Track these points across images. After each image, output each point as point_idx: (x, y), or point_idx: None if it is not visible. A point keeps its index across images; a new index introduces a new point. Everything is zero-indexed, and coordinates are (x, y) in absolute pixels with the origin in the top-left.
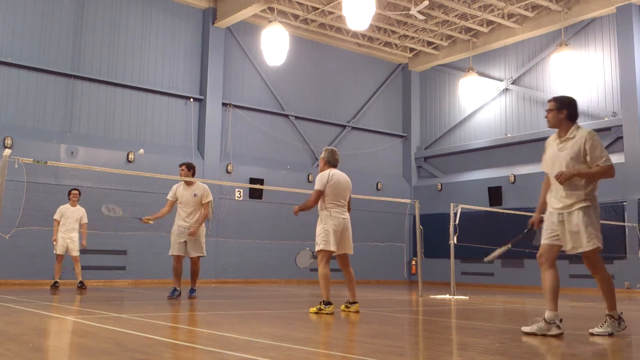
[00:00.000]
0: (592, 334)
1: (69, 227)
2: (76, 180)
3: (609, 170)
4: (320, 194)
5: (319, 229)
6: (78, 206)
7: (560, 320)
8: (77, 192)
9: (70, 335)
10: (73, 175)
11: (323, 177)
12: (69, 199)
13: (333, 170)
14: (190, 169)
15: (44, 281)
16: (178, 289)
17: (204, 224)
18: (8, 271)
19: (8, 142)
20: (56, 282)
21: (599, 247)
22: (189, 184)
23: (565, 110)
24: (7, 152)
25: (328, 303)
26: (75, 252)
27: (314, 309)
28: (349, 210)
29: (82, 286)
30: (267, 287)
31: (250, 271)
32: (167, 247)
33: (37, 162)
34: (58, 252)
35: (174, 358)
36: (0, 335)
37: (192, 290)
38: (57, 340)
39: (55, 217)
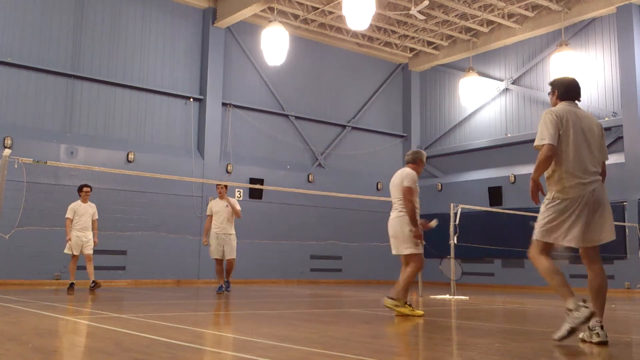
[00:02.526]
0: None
1: (84, 225)
2: (76, 180)
3: (540, 151)
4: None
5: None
6: (89, 202)
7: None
8: (89, 188)
9: (70, 335)
10: (73, 175)
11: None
12: (80, 196)
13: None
14: (227, 188)
15: (43, 281)
16: (222, 284)
17: (235, 232)
18: (8, 271)
19: (8, 142)
20: (72, 283)
21: (537, 240)
22: (222, 198)
23: (555, 91)
24: (7, 152)
25: (407, 304)
26: (89, 250)
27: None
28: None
29: (95, 286)
30: (267, 287)
31: (250, 271)
32: (166, 247)
33: (37, 162)
34: (74, 252)
35: (173, 358)
36: (0, 336)
37: (227, 284)
38: (56, 340)
39: (68, 215)
